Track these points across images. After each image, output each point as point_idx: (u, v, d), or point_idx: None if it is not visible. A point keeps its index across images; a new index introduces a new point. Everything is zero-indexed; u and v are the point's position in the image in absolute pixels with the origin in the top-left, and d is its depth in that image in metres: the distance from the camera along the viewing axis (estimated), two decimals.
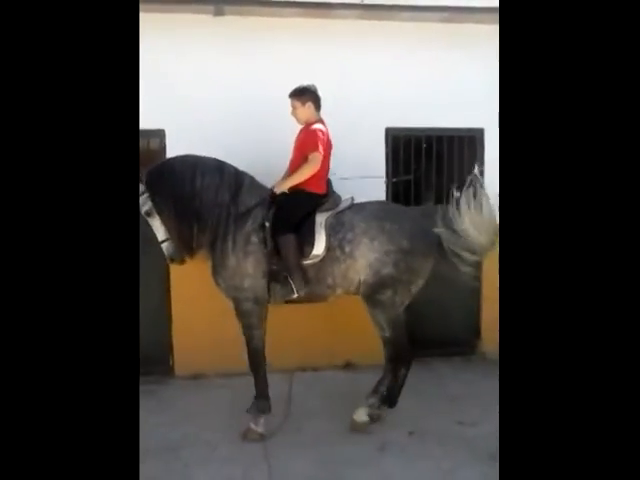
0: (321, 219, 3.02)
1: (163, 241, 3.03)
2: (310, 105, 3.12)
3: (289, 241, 2.91)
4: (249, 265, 2.97)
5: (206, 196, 3.00)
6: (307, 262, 2.96)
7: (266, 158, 3.52)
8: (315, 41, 3.82)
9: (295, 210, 3.03)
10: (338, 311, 3.98)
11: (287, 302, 3.15)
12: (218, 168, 3.09)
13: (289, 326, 3.89)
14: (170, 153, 3.75)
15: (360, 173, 3.92)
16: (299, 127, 3.26)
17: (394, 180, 4.24)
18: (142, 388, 3.51)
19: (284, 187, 3.08)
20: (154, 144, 3.85)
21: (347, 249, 2.97)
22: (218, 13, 3.60)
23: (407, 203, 4.20)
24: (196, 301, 3.70)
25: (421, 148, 4.22)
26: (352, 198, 3.20)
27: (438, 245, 3.07)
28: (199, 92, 3.74)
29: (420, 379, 3.86)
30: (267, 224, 2.96)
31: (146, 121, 3.64)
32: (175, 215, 2.98)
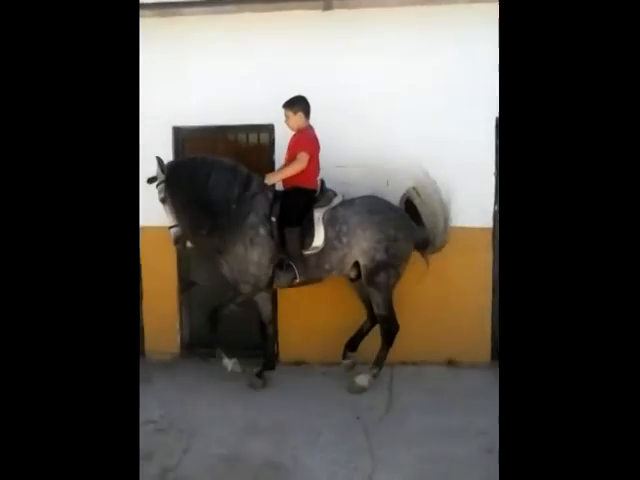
0: (318, 214, 3.40)
1: (171, 227, 3.44)
2: (300, 114, 3.46)
3: (294, 234, 3.31)
4: (255, 254, 3.38)
5: (218, 192, 3.38)
6: (307, 252, 3.36)
7: (382, 153, 3.55)
8: (426, 30, 3.72)
9: (297, 206, 3.40)
10: (442, 308, 3.91)
11: (290, 286, 3.56)
12: (232, 168, 3.47)
13: None
14: (278, 147, 3.92)
15: (467, 166, 3.79)
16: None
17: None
18: (251, 370, 3.79)
19: (274, 179, 3.50)
20: (263, 138, 4.03)
21: (344, 240, 3.41)
22: (327, 8, 3.64)
23: None
24: (300, 292, 3.83)
25: None
26: (342, 195, 3.56)
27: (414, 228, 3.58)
28: (308, 87, 3.82)
29: None
30: (273, 219, 3.35)
31: (256, 116, 3.85)
32: (188, 206, 3.38)
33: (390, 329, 3.54)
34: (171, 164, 3.50)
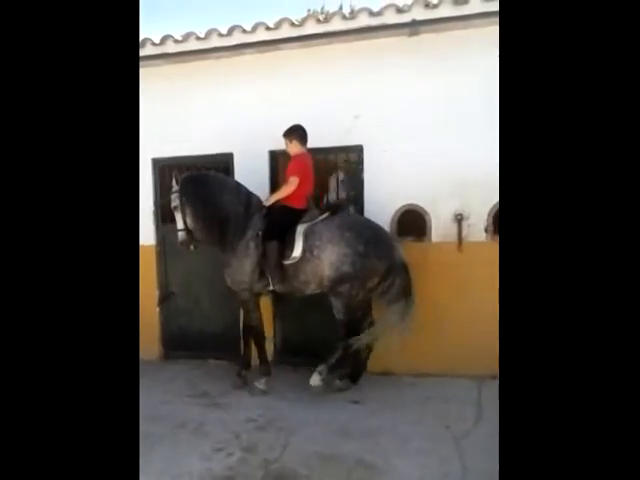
0: (301, 229, 3.75)
1: (180, 230, 3.98)
2: (295, 142, 3.86)
3: (273, 246, 3.71)
4: (247, 265, 3.82)
5: (227, 209, 3.87)
6: (287, 262, 3.73)
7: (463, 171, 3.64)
8: None
9: (279, 222, 3.80)
10: None
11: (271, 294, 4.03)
12: (236, 188, 3.97)
13: (480, 334, 3.90)
14: (367, 166, 4.14)
15: None
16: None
17: None
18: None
19: (271, 201, 3.91)
20: (352, 157, 4.28)
21: (315, 252, 3.70)
22: (413, 33, 3.84)
23: None
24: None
25: None
26: (329, 213, 3.89)
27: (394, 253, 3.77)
28: (395, 111, 4.03)
29: None
30: (260, 233, 3.79)
31: (347, 138, 4.12)
32: (198, 216, 3.90)
33: (349, 335, 3.75)
34: (184, 178, 3.97)
